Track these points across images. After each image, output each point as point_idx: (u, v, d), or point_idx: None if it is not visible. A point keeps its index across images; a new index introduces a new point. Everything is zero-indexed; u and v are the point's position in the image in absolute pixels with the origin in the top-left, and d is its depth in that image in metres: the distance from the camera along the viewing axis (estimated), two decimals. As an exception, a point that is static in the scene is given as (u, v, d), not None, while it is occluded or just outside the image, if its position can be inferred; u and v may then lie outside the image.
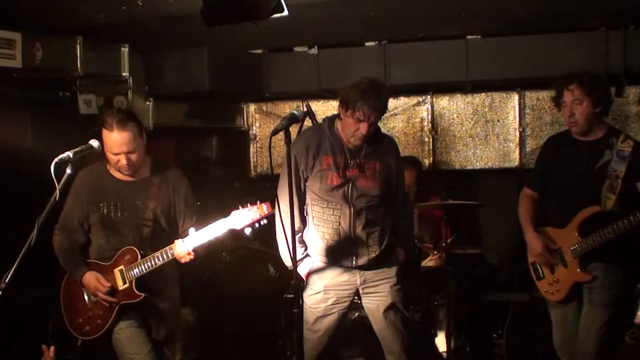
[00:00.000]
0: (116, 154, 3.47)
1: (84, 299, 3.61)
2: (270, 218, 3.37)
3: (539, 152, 4.13)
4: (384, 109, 3.55)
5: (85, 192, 3.60)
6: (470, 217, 5.70)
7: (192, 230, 3.45)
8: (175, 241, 3.43)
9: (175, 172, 3.74)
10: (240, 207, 3.32)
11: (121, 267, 3.53)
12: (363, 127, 3.48)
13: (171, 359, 3.76)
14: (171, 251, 3.43)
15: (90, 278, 3.53)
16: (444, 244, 4.85)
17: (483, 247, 5.26)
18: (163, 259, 3.45)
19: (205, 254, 3.53)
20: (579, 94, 3.66)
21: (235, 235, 3.43)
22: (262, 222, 3.34)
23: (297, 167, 3.61)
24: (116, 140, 3.42)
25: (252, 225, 3.32)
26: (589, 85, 3.66)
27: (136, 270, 3.49)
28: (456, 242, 4.97)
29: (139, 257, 3.50)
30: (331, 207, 3.62)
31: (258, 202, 3.31)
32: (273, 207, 3.35)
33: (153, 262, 3.47)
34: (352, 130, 3.53)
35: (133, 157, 3.49)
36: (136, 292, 3.51)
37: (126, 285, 3.52)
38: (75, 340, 3.65)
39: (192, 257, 3.45)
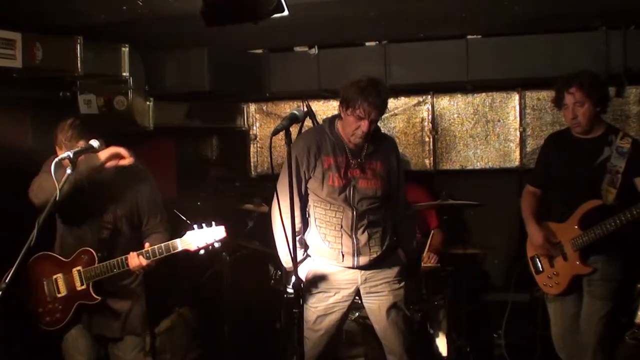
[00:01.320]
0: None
1: (45, 291, 3.65)
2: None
3: (540, 150, 4.20)
4: (384, 106, 3.56)
5: None
6: (470, 217, 5.70)
7: (147, 244, 3.51)
8: (131, 253, 3.49)
9: (140, 171, 3.71)
10: (195, 226, 3.36)
11: (79, 267, 3.57)
12: (364, 125, 3.48)
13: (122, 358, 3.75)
14: (126, 261, 3.49)
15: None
16: (429, 242, 4.89)
17: (483, 247, 5.25)
18: (118, 269, 3.51)
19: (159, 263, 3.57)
20: (580, 96, 3.73)
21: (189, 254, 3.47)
22: (215, 245, 3.39)
23: (297, 168, 3.61)
24: None
25: (205, 248, 3.38)
26: (589, 87, 3.74)
27: (94, 274, 3.54)
28: (445, 239, 4.99)
29: (96, 260, 3.54)
30: (333, 209, 3.63)
31: (213, 224, 3.36)
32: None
33: (109, 270, 3.52)
34: (352, 129, 3.53)
35: None
36: (93, 294, 3.56)
37: (83, 287, 3.57)
38: (37, 326, 3.69)
39: (144, 270, 3.52)
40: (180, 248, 3.44)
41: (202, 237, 3.38)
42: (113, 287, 3.64)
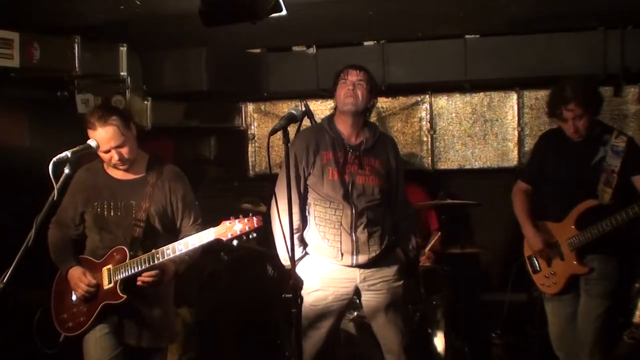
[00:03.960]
0: (106, 152, 3.42)
1: (72, 294, 3.55)
2: (264, 219, 3.36)
3: (534, 147, 4.21)
4: (368, 75, 3.69)
5: (81, 191, 3.56)
6: (468, 216, 5.70)
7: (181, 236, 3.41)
8: (163, 247, 3.37)
9: (173, 169, 3.66)
10: (231, 217, 3.28)
11: (109, 266, 3.47)
12: (349, 84, 3.63)
13: None
14: (158, 255, 3.36)
15: (74, 273, 3.49)
16: (431, 242, 4.87)
17: (481, 246, 5.25)
18: (148, 263, 3.38)
19: (191, 262, 3.49)
20: (579, 111, 3.75)
21: (221, 244, 3.37)
22: (250, 236, 3.29)
23: (297, 165, 3.63)
24: (101, 137, 3.35)
25: (239, 237, 3.27)
26: (586, 100, 3.75)
27: (123, 271, 3.42)
28: (443, 240, 4.98)
29: (128, 257, 3.44)
30: (333, 207, 3.64)
31: (250, 215, 3.27)
32: (268, 210, 3.33)
33: (140, 266, 3.39)
34: (340, 97, 3.65)
35: (124, 151, 3.44)
36: (119, 293, 3.43)
37: (110, 285, 3.45)
38: (58, 335, 3.57)
39: (176, 267, 3.41)
40: (213, 237, 3.28)
41: (237, 226, 3.25)
42: (145, 290, 3.48)
